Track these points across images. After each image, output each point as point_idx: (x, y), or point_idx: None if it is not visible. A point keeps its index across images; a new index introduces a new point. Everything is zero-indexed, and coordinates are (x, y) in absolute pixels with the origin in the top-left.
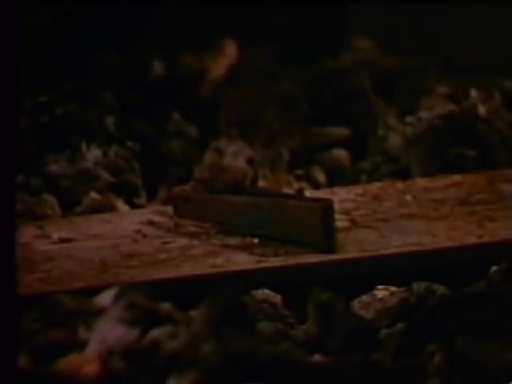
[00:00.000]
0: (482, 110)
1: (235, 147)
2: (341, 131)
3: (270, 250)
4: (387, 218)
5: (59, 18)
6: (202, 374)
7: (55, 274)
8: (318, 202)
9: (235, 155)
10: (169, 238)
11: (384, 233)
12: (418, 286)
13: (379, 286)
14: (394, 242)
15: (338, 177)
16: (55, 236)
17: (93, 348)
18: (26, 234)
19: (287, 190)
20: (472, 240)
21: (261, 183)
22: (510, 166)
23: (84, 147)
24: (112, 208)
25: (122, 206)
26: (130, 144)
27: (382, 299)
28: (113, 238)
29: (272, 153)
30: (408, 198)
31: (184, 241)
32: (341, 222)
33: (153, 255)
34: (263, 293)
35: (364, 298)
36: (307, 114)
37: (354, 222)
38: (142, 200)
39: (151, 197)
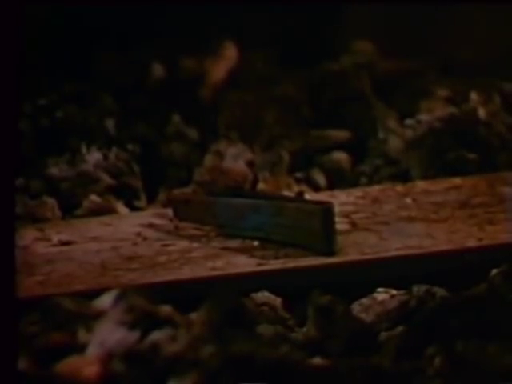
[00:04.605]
0: (481, 112)
1: (235, 150)
2: (341, 134)
3: (270, 252)
4: (387, 220)
5: (59, 19)
6: (202, 377)
7: (55, 276)
8: (318, 205)
9: (235, 158)
10: (169, 240)
11: (384, 235)
12: (418, 289)
13: (379, 289)
14: (394, 245)
15: (338, 179)
16: (55, 238)
17: (93, 351)
18: (26, 236)
19: (287, 193)
20: (472, 243)
21: (261, 186)
22: (510, 169)
23: (84, 150)
24: (112, 211)
25: (122, 208)
26: (130, 147)
27: (382, 302)
28: (113, 241)
29: (272, 155)
30: (408, 200)
31: (184, 243)
32: (341, 224)
33: (153, 258)
34: (263, 295)
35: (364, 300)
36: (307, 117)
37: (354, 225)
38: (142, 203)
39: (151, 199)
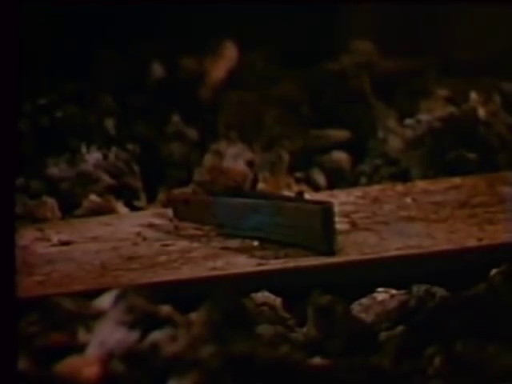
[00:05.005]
0: (481, 112)
1: (235, 150)
2: (341, 134)
3: (269, 252)
4: (387, 220)
5: (59, 19)
6: (202, 377)
7: (55, 276)
8: (317, 205)
9: (235, 158)
10: (169, 240)
11: (384, 235)
12: (418, 289)
13: (379, 289)
14: (394, 245)
15: (338, 179)
16: (55, 238)
17: (93, 351)
18: (26, 236)
19: (287, 193)
20: (472, 243)
21: (261, 186)
22: (510, 169)
23: (84, 150)
24: (112, 210)
25: (122, 208)
26: (129, 146)
27: (381, 302)
28: (113, 241)
29: (272, 155)
30: (408, 200)
31: (184, 243)
32: (341, 224)
33: (153, 258)
34: (263, 295)
35: (364, 300)
36: (307, 117)
37: (353, 225)
38: (142, 202)
39: (151, 199)
